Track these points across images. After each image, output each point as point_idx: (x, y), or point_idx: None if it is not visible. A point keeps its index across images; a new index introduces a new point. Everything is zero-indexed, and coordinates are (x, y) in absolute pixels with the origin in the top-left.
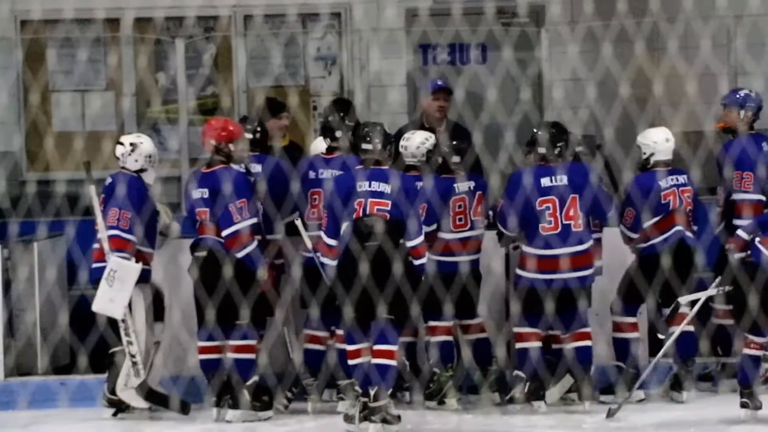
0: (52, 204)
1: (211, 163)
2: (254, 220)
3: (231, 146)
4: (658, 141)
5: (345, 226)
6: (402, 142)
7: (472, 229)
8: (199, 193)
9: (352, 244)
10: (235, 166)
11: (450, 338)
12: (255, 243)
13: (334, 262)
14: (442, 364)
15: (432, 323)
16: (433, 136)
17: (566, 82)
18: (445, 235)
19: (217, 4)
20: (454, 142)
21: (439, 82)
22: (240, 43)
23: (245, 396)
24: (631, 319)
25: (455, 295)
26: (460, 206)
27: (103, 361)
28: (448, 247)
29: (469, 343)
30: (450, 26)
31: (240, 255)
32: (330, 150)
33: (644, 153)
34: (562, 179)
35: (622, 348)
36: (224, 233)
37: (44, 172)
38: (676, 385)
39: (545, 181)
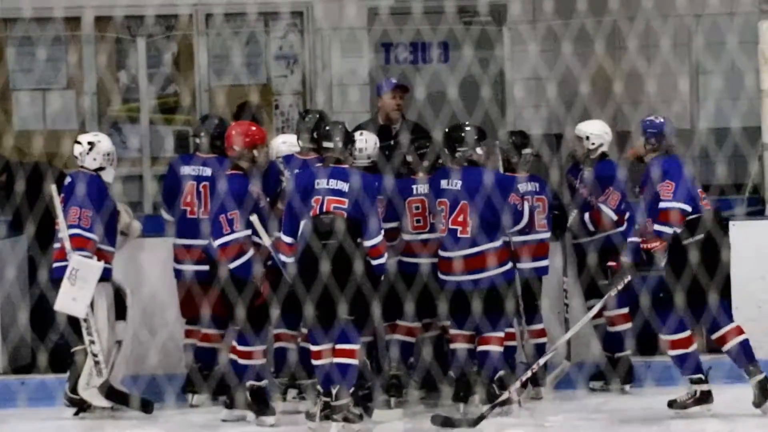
0: (12, 203)
1: (234, 166)
2: (247, 232)
3: (255, 152)
4: (608, 132)
5: (303, 224)
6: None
7: (432, 230)
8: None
9: (310, 242)
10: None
11: (411, 338)
12: (248, 254)
13: (292, 260)
14: (402, 363)
15: (398, 322)
16: (372, 138)
17: (527, 81)
18: (405, 236)
19: (178, 3)
20: (416, 143)
21: (394, 80)
22: (201, 41)
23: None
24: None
25: (416, 296)
26: (417, 207)
27: (64, 360)
28: (410, 248)
29: (430, 342)
30: (411, 25)
31: (232, 266)
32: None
33: (593, 143)
34: (456, 183)
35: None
36: (215, 243)
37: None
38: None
39: (443, 184)
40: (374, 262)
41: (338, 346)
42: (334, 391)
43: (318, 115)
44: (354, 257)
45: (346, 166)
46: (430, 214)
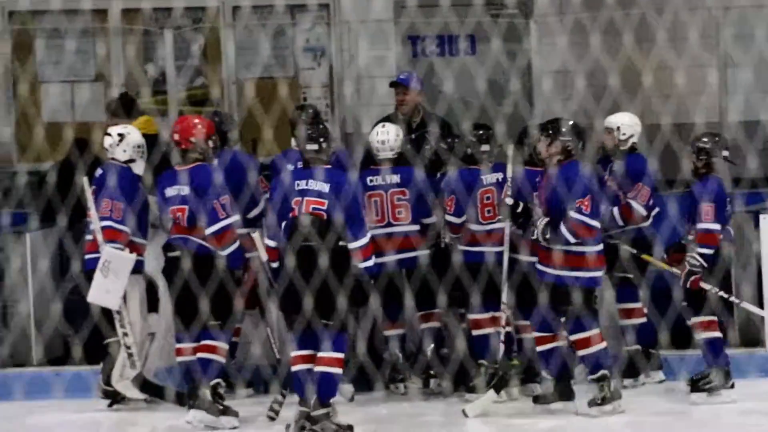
0: (44, 194)
1: (186, 159)
2: (237, 218)
3: (210, 143)
4: (638, 123)
5: (283, 226)
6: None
7: (498, 220)
8: (175, 190)
9: (289, 244)
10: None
11: (486, 330)
12: (237, 242)
13: (275, 264)
14: (488, 356)
15: (469, 316)
16: (394, 130)
17: (555, 74)
18: (473, 227)
19: None
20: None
21: (402, 77)
22: (228, 34)
23: (206, 397)
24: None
25: (482, 286)
26: (487, 198)
27: (98, 352)
28: (475, 238)
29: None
30: (438, 17)
31: (224, 253)
32: None
33: (624, 134)
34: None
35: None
36: (209, 231)
37: (35, 163)
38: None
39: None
40: (361, 265)
41: (320, 354)
42: (311, 402)
43: (312, 111)
44: (331, 258)
45: (325, 166)
46: (498, 204)
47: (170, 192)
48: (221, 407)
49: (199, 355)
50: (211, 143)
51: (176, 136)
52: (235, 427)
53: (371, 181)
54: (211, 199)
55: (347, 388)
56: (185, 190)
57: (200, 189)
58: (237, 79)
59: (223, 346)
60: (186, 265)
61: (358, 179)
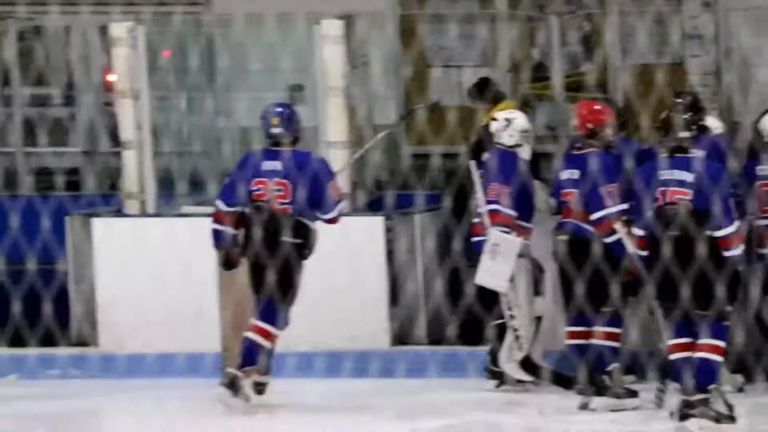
0: (430, 177)
1: (583, 145)
2: (625, 206)
3: (608, 130)
4: None
5: (648, 216)
6: None
7: None
8: (567, 174)
9: (656, 233)
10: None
11: None
12: (623, 231)
13: (642, 253)
14: None
15: None
16: None
17: None
18: None
19: None
20: None
21: None
22: (609, 20)
23: (607, 383)
24: None
25: None
26: None
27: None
28: None
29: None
30: None
31: (608, 240)
32: None
33: None
34: None
35: None
36: (592, 217)
37: (420, 146)
38: None
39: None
40: (726, 254)
41: (700, 342)
42: (690, 387)
43: (689, 98)
44: (698, 248)
45: (690, 154)
46: None
47: (564, 176)
48: (623, 389)
49: (598, 340)
50: (610, 131)
51: (577, 122)
52: (636, 407)
53: (760, 170)
54: (599, 186)
55: (736, 378)
56: (576, 174)
57: (590, 174)
58: (621, 65)
59: (620, 331)
60: (595, 250)
61: (744, 169)
